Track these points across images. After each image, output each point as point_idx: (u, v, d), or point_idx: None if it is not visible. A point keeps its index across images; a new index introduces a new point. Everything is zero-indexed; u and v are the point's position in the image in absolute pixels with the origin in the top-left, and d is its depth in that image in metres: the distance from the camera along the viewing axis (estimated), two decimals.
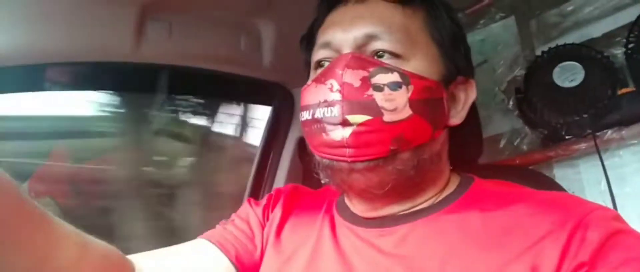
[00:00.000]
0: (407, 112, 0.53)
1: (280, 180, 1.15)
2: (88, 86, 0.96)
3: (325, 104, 0.54)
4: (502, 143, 1.20)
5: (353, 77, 0.53)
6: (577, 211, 0.49)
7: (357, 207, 0.61)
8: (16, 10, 0.77)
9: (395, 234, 0.56)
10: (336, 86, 0.53)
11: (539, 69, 1.12)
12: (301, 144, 1.16)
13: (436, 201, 0.59)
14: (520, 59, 1.23)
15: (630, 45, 1.02)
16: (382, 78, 0.53)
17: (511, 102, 1.20)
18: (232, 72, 1.03)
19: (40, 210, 0.47)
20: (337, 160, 0.54)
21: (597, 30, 1.12)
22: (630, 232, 0.47)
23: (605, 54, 1.06)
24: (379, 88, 0.53)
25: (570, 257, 0.45)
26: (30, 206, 0.45)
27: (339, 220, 0.63)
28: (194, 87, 1.07)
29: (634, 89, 1.02)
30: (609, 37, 1.10)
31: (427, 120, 0.55)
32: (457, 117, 0.60)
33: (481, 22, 1.29)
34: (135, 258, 0.60)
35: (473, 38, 1.31)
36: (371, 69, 0.54)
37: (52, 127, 1.20)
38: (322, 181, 1.22)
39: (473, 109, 0.77)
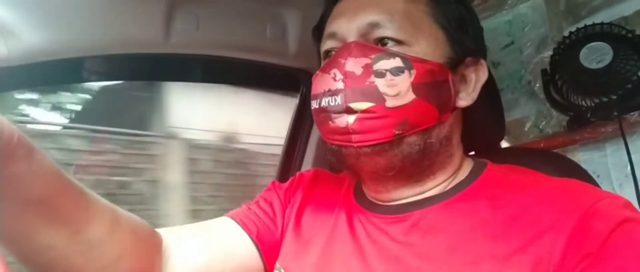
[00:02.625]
0: (410, 96, 0.55)
1: (307, 164, 1.18)
2: (123, 77, 1.00)
3: (329, 93, 0.56)
4: (528, 126, 1.19)
5: (355, 65, 0.55)
6: (584, 200, 0.49)
7: (371, 190, 0.63)
8: (54, 8, 0.81)
9: (406, 221, 0.58)
10: (339, 75, 0.55)
11: (567, 50, 1.10)
12: None
13: (447, 188, 0.60)
14: (548, 40, 1.21)
15: None
16: (384, 64, 0.55)
17: (537, 85, 1.19)
18: (259, 60, 1.06)
19: (77, 186, 0.51)
20: (344, 146, 0.57)
21: (628, 7, 1.09)
22: (639, 220, 0.47)
23: (637, 32, 1.04)
24: (380, 74, 0.55)
25: (576, 247, 0.46)
26: (70, 183, 0.49)
27: (354, 206, 0.65)
28: (223, 75, 1.10)
29: None
30: None
31: (432, 104, 0.56)
32: (467, 98, 0.61)
33: (508, 2, 1.27)
34: (164, 232, 0.64)
35: (500, 19, 1.30)
36: (373, 56, 0.55)
37: None
38: None
39: (494, 91, 0.78)
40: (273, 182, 0.78)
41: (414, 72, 0.55)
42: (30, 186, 0.44)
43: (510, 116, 0.99)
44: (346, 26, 0.59)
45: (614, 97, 1.01)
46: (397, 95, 0.54)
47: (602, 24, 1.08)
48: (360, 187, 0.67)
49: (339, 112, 0.55)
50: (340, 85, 0.55)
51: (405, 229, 0.57)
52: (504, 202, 0.54)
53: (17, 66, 0.76)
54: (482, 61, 0.63)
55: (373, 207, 0.63)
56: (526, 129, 1.19)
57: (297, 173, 0.79)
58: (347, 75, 0.55)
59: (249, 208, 0.71)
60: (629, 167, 0.97)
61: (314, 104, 0.59)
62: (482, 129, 0.73)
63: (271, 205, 0.72)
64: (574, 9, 1.17)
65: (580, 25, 1.10)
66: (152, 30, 0.91)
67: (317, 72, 0.61)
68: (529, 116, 1.20)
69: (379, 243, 0.58)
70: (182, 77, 1.02)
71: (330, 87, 0.56)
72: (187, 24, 0.93)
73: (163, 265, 0.61)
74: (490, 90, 0.67)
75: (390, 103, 0.54)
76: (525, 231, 0.49)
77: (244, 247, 0.66)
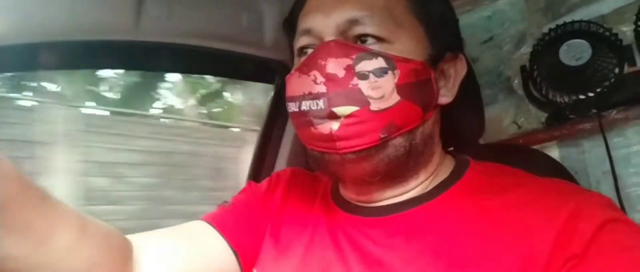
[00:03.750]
0: (395, 98, 0.52)
1: (282, 159, 1.15)
2: (89, 64, 0.96)
3: (310, 97, 0.53)
4: (506, 122, 1.19)
5: (336, 67, 0.52)
6: (569, 200, 0.48)
7: (351, 193, 0.61)
8: None
9: (389, 224, 0.56)
10: (320, 78, 0.52)
11: (546, 46, 1.10)
12: None
13: (429, 187, 0.58)
14: (527, 37, 1.20)
15: None
16: (366, 65, 0.52)
17: (516, 81, 1.19)
18: (234, 50, 1.02)
19: (41, 192, 0.47)
20: (328, 152, 0.54)
21: (606, 6, 1.09)
22: (622, 219, 0.47)
23: (614, 31, 1.04)
24: (364, 76, 0.52)
25: (562, 248, 0.45)
26: (31, 188, 0.45)
27: (333, 208, 0.63)
28: (196, 65, 1.07)
29: None
30: (618, 14, 1.07)
31: (416, 104, 0.54)
32: (448, 94, 0.59)
33: None
34: (134, 238, 0.60)
35: (479, 14, 1.29)
36: (355, 56, 0.52)
37: None
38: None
39: (473, 87, 0.76)
40: (249, 183, 0.75)
41: (397, 72, 0.52)
42: None
43: (488, 112, 0.97)
44: (323, 22, 0.56)
45: (593, 94, 1.01)
46: (381, 97, 0.52)
47: (581, 21, 1.08)
48: (337, 187, 0.65)
49: (322, 118, 0.52)
50: (321, 88, 0.52)
51: (389, 231, 0.55)
52: (489, 202, 0.52)
53: None
54: (461, 55, 0.61)
55: (353, 209, 0.60)
56: (505, 125, 1.19)
57: (274, 173, 0.76)
58: (328, 78, 0.52)
59: (225, 211, 0.68)
60: (606, 164, 0.97)
61: (293, 107, 0.56)
62: (462, 125, 0.71)
63: (248, 208, 0.69)
64: (553, 5, 1.17)
65: (560, 22, 1.10)
66: (121, 16, 0.87)
67: (294, 71, 0.57)
68: (507, 112, 1.20)
69: (361, 247, 0.56)
70: (153, 66, 0.98)
71: (311, 90, 0.53)
72: (158, 10, 0.89)
73: None
74: (470, 86, 0.66)
75: (375, 106, 0.52)
76: (511, 233, 0.48)
77: (221, 252, 0.63)
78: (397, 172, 0.56)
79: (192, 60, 1.05)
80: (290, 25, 0.64)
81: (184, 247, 0.62)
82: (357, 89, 0.51)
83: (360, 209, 0.59)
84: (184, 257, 0.61)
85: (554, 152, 1.09)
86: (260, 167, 1.16)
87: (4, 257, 0.44)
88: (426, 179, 0.59)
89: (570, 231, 0.45)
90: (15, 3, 0.78)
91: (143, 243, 0.60)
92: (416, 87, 0.54)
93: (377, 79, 0.52)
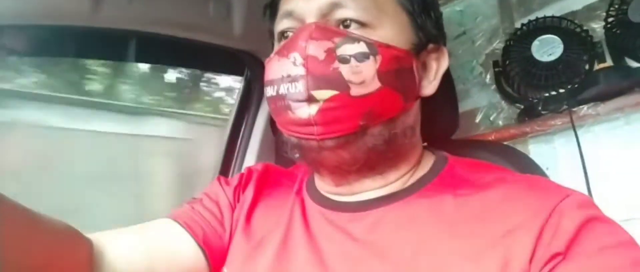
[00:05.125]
0: (376, 84, 0.50)
1: (252, 154, 1.11)
2: (43, 52, 0.90)
3: (288, 79, 0.51)
4: (479, 118, 1.19)
5: (317, 49, 0.50)
6: (551, 198, 0.47)
7: (329, 185, 0.59)
8: None
9: (367, 219, 0.54)
10: (299, 60, 0.50)
11: (518, 42, 1.10)
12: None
13: (409, 181, 0.57)
14: (499, 32, 1.20)
15: (610, 19, 1.00)
16: (348, 49, 0.50)
17: (489, 76, 1.18)
18: (200, 39, 0.98)
19: None
20: (305, 138, 0.52)
21: (577, 2, 1.10)
22: (603, 219, 0.46)
23: (585, 27, 1.05)
24: (345, 60, 0.50)
25: (544, 246, 0.44)
26: None
27: (310, 203, 0.60)
28: (159, 54, 1.02)
29: (611, 64, 1.01)
30: (589, 10, 1.08)
31: (397, 92, 0.52)
32: (429, 87, 0.58)
33: None
34: (96, 236, 0.56)
35: (452, 8, 1.28)
36: (336, 40, 0.51)
37: None
38: (297, 155, 1.20)
39: (448, 82, 0.75)
40: (219, 178, 0.71)
41: (379, 58, 0.51)
42: None
43: (461, 107, 0.97)
44: (304, 5, 0.54)
45: (564, 90, 1.01)
46: (362, 83, 0.50)
47: (553, 17, 1.08)
48: (313, 182, 0.63)
49: (300, 101, 0.50)
50: (300, 70, 0.50)
51: (368, 227, 0.53)
52: (468, 198, 0.51)
53: None
54: (444, 48, 0.60)
55: (331, 204, 0.58)
56: (477, 120, 1.18)
57: (246, 168, 0.72)
58: (308, 60, 0.50)
59: (193, 208, 0.65)
60: (577, 160, 0.98)
61: (270, 91, 0.53)
62: (435, 119, 0.69)
63: (218, 204, 0.66)
64: (525, 1, 1.18)
65: (532, 17, 1.11)
66: (79, 0, 0.81)
67: (273, 55, 0.55)
68: (480, 108, 1.19)
69: (338, 243, 0.54)
70: (112, 55, 0.93)
71: (289, 73, 0.50)
72: None
73: None
74: (444, 80, 0.64)
75: (354, 91, 0.50)
76: (492, 231, 0.47)
77: (188, 251, 0.60)
78: (376, 162, 0.54)
79: (156, 50, 1.00)
80: (271, 9, 0.61)
81: (148, 246, 0.59)
82: (338, 72, 0.50)
83: (338, 204, 0.57)
84: (147, 255, 0.58)
85: (526, 148, 1.10)
86: (230, 162, 1.12)
87: None
88: (407, 173, 0.57)
89: (553, 229, 0.44)
90: None
91: (106, 242, 0.57)
92: (397, 74, 0.53)
93: (358, 63, 0.50)
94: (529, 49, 1.07)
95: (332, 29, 0.52)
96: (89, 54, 0.97)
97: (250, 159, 1.10)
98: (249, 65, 1.10)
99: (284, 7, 0.57)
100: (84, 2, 0.81)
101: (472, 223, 0.49)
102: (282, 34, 0.57)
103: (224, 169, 1.11)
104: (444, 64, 0.59)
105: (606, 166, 0.98)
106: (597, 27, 1.05)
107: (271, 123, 1.11)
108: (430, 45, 0.58)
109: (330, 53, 0.50)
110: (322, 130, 0.50)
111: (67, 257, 0.51)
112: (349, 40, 0.51)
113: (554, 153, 1.06)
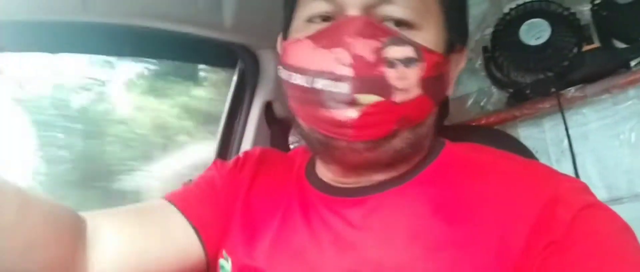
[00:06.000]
0: (416, 91, 0.48)
1: (246, 146, 1.12)
2: (31, 47, 0.89)
3: (330, 76, 0.47)
4: (469, 103, 1.20)
5: (365, 49, 0.46)
6: (546, 185, 0.47)
7: (335, 175, 0.58)
8: None
9: (364, 205, 0.53)
10: (347, 59, 0.46)
11: (506, 27, 1.11)
12: (268, 108, 1.12)
13: (405, 170, 0.56)
14: (488, 17, 1.21)
15: (597, 1, 1.01)
16: (395, 51, 0.47)
17: (479, 62, 1.19)
18: (190, 32, 0.97)
19: None
20: (335, 137, 0.49)
21: None
22: (598, 205, 0.46)
23: (572, 10, 1.06)
24: (392, 64, 0.47)
25: (541, 233, 0.44)
26: None
27: (308, 187, 0.60)
28: (148, 48, 1.01)
29: (598, 45, 1.02)
30: None
31: (432, 98, 0.51)
32: (450, 88, 0.57)
33: None
34: (89, 216, 0.56)
35: None
36: (385, 39, 0.47)
37: None
38: (291, 146, 1.19)
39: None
40: (215, 162, 0.70)
41: (424, 65, 0.48)
42: None
43: (452, 94, 0.98)
44: None
45: (552, 73, 1.03)
46: (405, 89, 0.47)
47: (540, 1, 1.09)
48: (312, 166, 0.62)
49: (340, 102, 0.47)
50: (347, 71, 0.46)
51: (364, 213, 0.53)
52: (465, 184, 0.51)
53: None
54: (466, 48, 0.58)
55: (329, 190, 0.58)
56: (468, 106, 1.20)
57: (242, 152, 0.72)
58: (356, 60, 0.46)
59: (189, 190, 0.64)
60: (565, 142, 1.00)
61: (299, 80, 0.50)
62: None
63: (214, 187, 0.65)
64: None
65: (520, 2, 1.11)
66: None
67: (304, 38, 0.50)
68: (470, 93, 1.21)
69: (334, 229, 0.53)
70: (101, 49, 0.92)
71: (333, 70, 0.47)
72: None
73: (88, 253, 0.54)
74: None
75: (397, 98, 0.47)
76: (487, 217, 0.47)
77: (183, 234, 0.59)
78: (396, 162, 0.54)
79: (147, 43, 0.99)
80: None
81: (141, 226, 0.58)
82: (385, 77, 0.46)
83: (336, 190, 0.57)
84: (141, 236, 0.58)
85: (516, 132, 1.11)
86: (225, 156, 1.12)
87: None
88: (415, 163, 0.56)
89: (548, 216, 0.44)
90: None
91: (98, 222, 0.56)
92: (435, 81, 0.51)
93: (404, 69, 0.47)
94: (517, 33, 1.08)
95: (381, 27, 0.48)
96: (78, 49, 0.96)
97: (247, 145, 1.11)
98: (241, 57, 1.10)
99: None
100: None
101: (467, 209, 0.48)
102: (315, 19, 0.52)
103: (221, 154, 1.12)
104: (462, 63, 0.58)
105: (594, 147, 1.00)
106: (584, 10, 1.06)
107: (266, 116, 1.11)
108: (458, 46, 0.56)
109: (379, 54, 0.46)
110: (357, 133, 0.48)
111: (55, 239, 0.50)
112: (397, 41, 0.47)
113: (542, 136, 1.08)
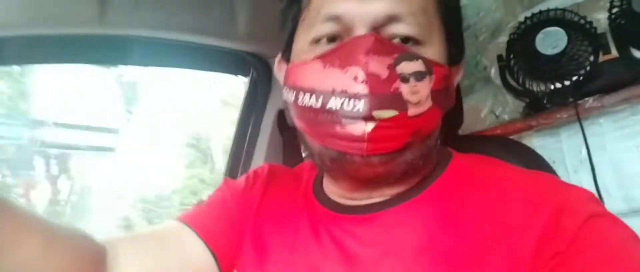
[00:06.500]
0: (428, 104, 0.49)
1: (259, 155, 1.12)
2: (52, 59, 0.91)
3: (344, 95, 0.47)
4: (484, 113, 1.19)
5: (379, 66, 0.47)
6: (553, 196, 0.47)
7: (344, 190, 0.58)
8: None
9: (374, 222, 0.54)
10: (361, 76, 0.47)
11: (522, 35, 1.10)
12: (280, 116, 1.13)
13: (415, 182, 0.56)
14: (503, 25, 1.20)
15: (614, 10, 0.99)
16: (407, 67, 0.48)
17: (493, 71, 1.18)
18: (205, 42, 0.99)
19: (2, 201, 0.44)
20: (350, 153, 0.50)
21: None
22: (606, 215, 0.46)
23: (589, 19, 1.04)
24: (405, 78, 0.48)
25: (547, 244, 0.44)
26: None
27: (316, 206, 0.60)
28: (165, 58, 1.03)
29: (616, 55, 1.01)
30: (593, 1, 1.07)
31: (441, 109, 0.52)
32: (451, 99, 0.58)
33: None
34: (109, 242, 0.57)
35: None
36: (395, 55, 0.48)
37: None
38: (303, 154, 1.20)
39: None
40: (225, 180, 0.71)
41: (433, 77, 0.49)
42: None
43: (466, 103, 0.97)
44: (356, 11, 0.49)
45: (569, 83, 1.01)
46: (418, 103, 0.48)
47: (556, 9, 1.08)
48: (320, 184, 0.63)
49: (356, 119, 0.47)
50: (362, 89, 0.46)
51: (374, 230, 0.53)
52: (472, 197, 0.51)
53: None
54: (462, 60, 0.60)
55: (337, 208, 0.58)
56: (482, 115, 1.18)
57: (251, 170, 0.72)
58: (371, 78, 0.47)
59: (202, 211, 0.65)
60: (583, 152, 0.98)
61: (311, 101, 0.50)
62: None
63: (226, 207, 0.65)
64: None
65: (535, 10, 1.10)
66: (86, 8, 0.82)
67: (314, 59, 0.51)
68: (485, 102, 1.19)
69: (344, 247, 0.54)
70: (119, 60, 0.94)
71: (347, 89, 0.47)
72: (124, 1, 0.85)
73: None
74: None
75: (411, 111, 0.48)
76: (495, 230, 0.47)
77: (199, 254, 0.60)
78: (407, 174, 0.54)
79: (163, 53, 1.01)
80: (298, 4, 0.56)
81: (159, 250, 0.59)
82: (399, 92, 0.47)
83: (345, 208, 0.57)
84: (159, 259, 0.59)
85: (532, 142, 1.09)
86: (237, 164, 1.13)
87: None
88: (424, 176, 0.57)
89: (555, 227, 0.44)
90: None
91: (118, 249, 0.57)
92: (444, 92, 0.52)
93: (416, 83, 0.48)
94: (533, 42, 1.06)
95: (391, 44, 0.49)
96: (95, 59, 0.98)
97: (258, 160, 1.11)
98: (254, 66, 1.11)
99: (327, 8, 0.51)
100: (91, 10, 0.82)
101: (475, 223, 0.48)
102: (322, 40, 0.52)
103: (232, 171, 1.12)
104: (459, 76, 0.60)
105: (612, 158, 0.98)
106: (601, 18, 1.04)
107: (278, 124, 1.12)
108: (458, 58, 0.58)
109: (391, 70, 0.47)
110: (372, 147, 0.48)
111: (81, 269, 0.52)
112: (407, 56, 0.48)
113: (559, 146, 1.06)
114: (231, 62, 1.11)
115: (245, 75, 1.15)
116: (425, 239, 0.50)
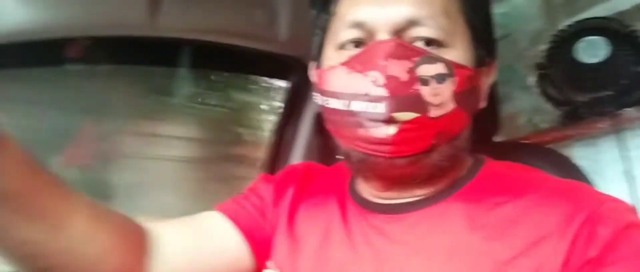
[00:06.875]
0: (451, 105, 0.50)
1: (296, 155, 1.15)
2: (104, 61, 0.97)
3: (366, 98, 0.49)
4: (521, 120, 1.18)
5: (398, 69, 0.49)
6: (587, 203, 0.47)
7: (376, 190, 0.59)
8: None
9: (404, 221, 0.55)
10: (381, 80, 0.49)
11: (562, 43, 1.09)
12: (319, 118, 1.15)
13: (446, 185, 0.57)
14: (543, 33, 1.19)
15: None
16: (427, 69, 0.49)
17: (532, 79, 1.17)
18: (248, 46, 1.02)
19: (54, 179, 0.48)
20: (375, 155, 0.52)
21: (626, 2, 1.08)
22: None
23: (633, 27, 1.02)
24: (425, 81, 0.49)
25: (579, 252, 0.44)
26: (44, 175, 0.46)
27: (351, 204, 0.62)
28: (210, 61, 1.07)
29: None
30: (638, 10, 1.05)
31: (466, 111, 0.53)
32: (482, 101, 0.58)
33: None
34: (153, 227, 0.60)
35: (495, 11, 1.26)
36: (416, 59, 0.49)
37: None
38: (338, 156, 1.21)
39: (491, 85, 0.76)
40: (262, 175, 0.73)
41: (456, 79, 0.50)
42: (3, 179, 0.42)
43: (503, 110, 0.97)
44: (378, 16, 0.51)
45: (609, 92, 1.00)
46: (440, 104, 0.50)
47: (598, 18, 1.06)
48: (354, 183, 0.64)
49: (378, 122, 0.49)
50: (382, 91, 0.48)
51: (405, 229, 0.54)
52: (503, 202, 0.51)
53: None
54: (495, 62, 0.60)
55: (370, 206, 0.59)
56: (520, 123, 1.18)
57: (288, 166, 0.75)
58: (390, 81, 0.48)
59: (239, 202, 0.67)
60: (622, 164, 0.96)
61: (336, 104, 0.52)
62: (477, 122, 0.70)
63: (262, 199, 0.68)
64: (571, 2, 1.16)
65: (577, 18, 1.09)
66: (137, 11, 0.87)
67: (339, 65, 0.53)
68: (523, 110, 1.18)
69: (375, 245, 0.55)
70: (168, 61, 0.99)
71: (368, 92, 0.49)
72: (174, 6, 0.89)
73: (150, 262, 0.58)
74: None
75: (433, 113, 0.49)
76: (527, 235, 0.47)
77: (234, 244, 0.63)
78: (435, 176, 0.55)
79: (206, 56, 1.05)
80: (322, 5, 0.58)
81: (197, 238, 0.62)
82: (419, 94, 0.49)
83: (377, 206, 0.58)
84: (197, 247, 0.62)
85: (570, 151, 1.08)
86: (275, 162, 1.16)
87: (23, 241, 0.45)
88: (454, 179, 0.57)
89: (588, 235, 0.44)
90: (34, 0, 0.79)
91: (159, 233, 0.60)
92: (469, 94, 0.53)
93: (437, 85, 0.49)
94: (573, 50, 1.05)
95: (412, 47, 0.50)
96: (143, 61, 1.04)
97: (296, 159, 1.13)
98: (294, 70, 1.14)
99: (352, 15, 0.53)
100: (142, 14, 0.87)
101: (507, 227, 0.49)
102: (348, 44, 0.54)
103: (270, 168, 1.15)
104: (493, 77, 0.59)
105: None
106: None
107: (317, 125, 1.14)
108: (487, 59, 0.57)
109: (412, 73, 0.49)
110: (396, 149, 0.50)
111: (126, 246, 0.55)
112: (428, 59, 0.50)
113: (598, 157, 1.05)
114: (272, 66, 1.14)
115: (285, 78, 1.18)
116: (455, 241, 0.50)
